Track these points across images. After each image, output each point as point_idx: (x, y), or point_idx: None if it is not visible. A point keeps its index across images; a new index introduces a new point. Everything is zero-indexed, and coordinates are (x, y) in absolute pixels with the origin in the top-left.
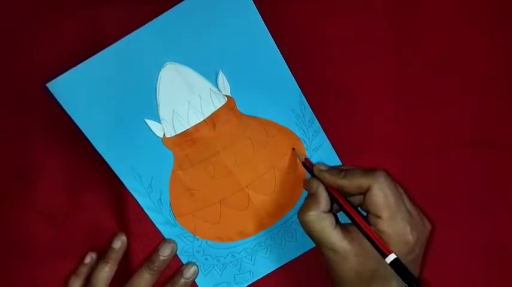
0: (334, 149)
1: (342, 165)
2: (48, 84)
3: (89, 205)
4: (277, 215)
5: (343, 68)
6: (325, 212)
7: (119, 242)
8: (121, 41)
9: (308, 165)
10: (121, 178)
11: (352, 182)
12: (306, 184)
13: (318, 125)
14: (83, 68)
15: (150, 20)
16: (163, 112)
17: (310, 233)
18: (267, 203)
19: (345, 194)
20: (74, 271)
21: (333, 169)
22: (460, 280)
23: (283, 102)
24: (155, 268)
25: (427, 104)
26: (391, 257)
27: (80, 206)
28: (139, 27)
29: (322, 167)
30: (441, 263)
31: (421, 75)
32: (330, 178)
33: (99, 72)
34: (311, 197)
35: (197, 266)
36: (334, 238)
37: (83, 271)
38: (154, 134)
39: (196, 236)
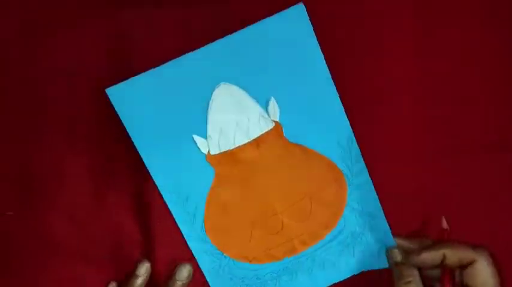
0: None
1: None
2: (107, 90)
3: (113, 208)
4: (307, 244)
5: (365, 73)
6: None
7: (143, 269)
8: (182, 58)
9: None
10: (159, 188)
11: (454, 254)
12: (397, 269)
13: (363, 163)
14: (142, 79)
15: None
16: (211, 130)
17: None
18: (299, 231)
19: (423, 268)
20: None
21: (428, 247)
22: None
23: (331, 134)
24: None
25: (449, 109)
26: None
27: (103, 209)
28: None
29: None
30: None
31: (442, 79)
32: (430, 258)
33: (157, 84)
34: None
35: (190, 267)
36: None
37: None
38: (200, 149)
39: (224, 254)
